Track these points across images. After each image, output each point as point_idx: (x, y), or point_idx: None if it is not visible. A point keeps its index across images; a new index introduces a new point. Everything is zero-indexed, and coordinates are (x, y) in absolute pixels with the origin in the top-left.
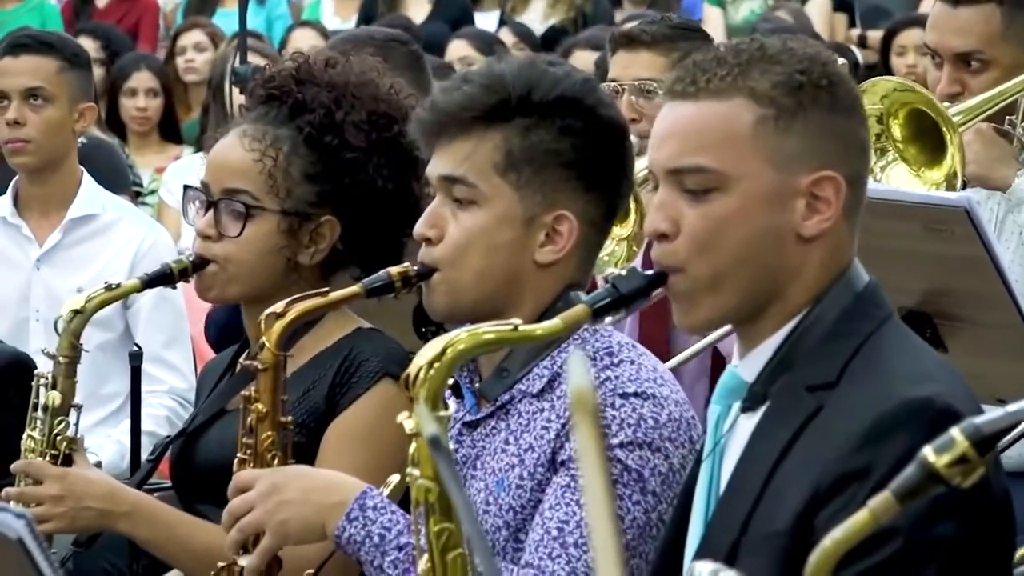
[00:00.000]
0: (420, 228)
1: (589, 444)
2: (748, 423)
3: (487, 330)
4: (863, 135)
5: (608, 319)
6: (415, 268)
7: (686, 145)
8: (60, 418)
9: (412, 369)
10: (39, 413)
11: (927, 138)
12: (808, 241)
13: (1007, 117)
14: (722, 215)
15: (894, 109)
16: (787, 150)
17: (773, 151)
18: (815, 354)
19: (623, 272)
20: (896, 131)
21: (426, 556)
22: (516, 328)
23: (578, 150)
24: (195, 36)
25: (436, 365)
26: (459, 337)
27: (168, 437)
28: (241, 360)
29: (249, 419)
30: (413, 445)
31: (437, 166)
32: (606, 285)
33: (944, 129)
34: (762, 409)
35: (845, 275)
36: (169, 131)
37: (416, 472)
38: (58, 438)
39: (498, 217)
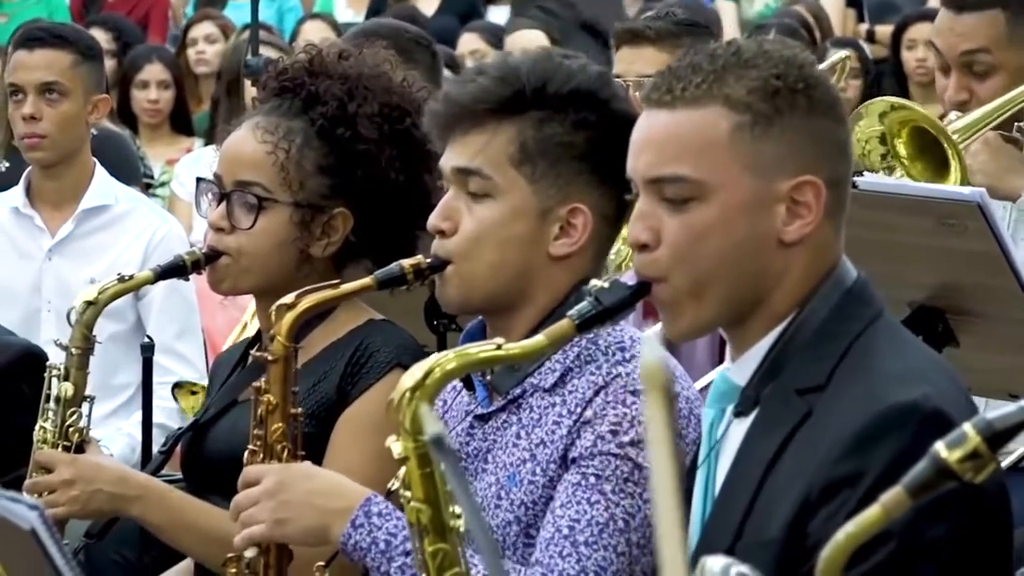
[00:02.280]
0: (434, 220)
1: (657, 419)
2: (741, 427)
3: (475, 351)
4: (842, 136)
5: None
6: (427, 260)
7: (664, 154)
8: (73, 409)
9: (396, 394)
10: (52, 404)
11: (931, 154)
12: (790, 246)
13: (1016, 124)
14: (702, 224)
15: (895, 128)
16: (765, 156)
17: (751, 158)
18: (805, 357)
19: (606, 284)
20: (901, 149)
21: None
22: (499, 347)
23: (592, 143)
24: (206, 28)
25: (419, 391)
26: (447, 358)
27: (180, 429)
28: (252, 352)
29: (259, 410)
30: (403, 469)
31: (451, 159)
32: (589, 298)
33: (945, 145)
34: (754, 413)
35: (832, 275)
36: (180, 123)
37: (408, 494)
38: (70, 429)
39: (512, 210)
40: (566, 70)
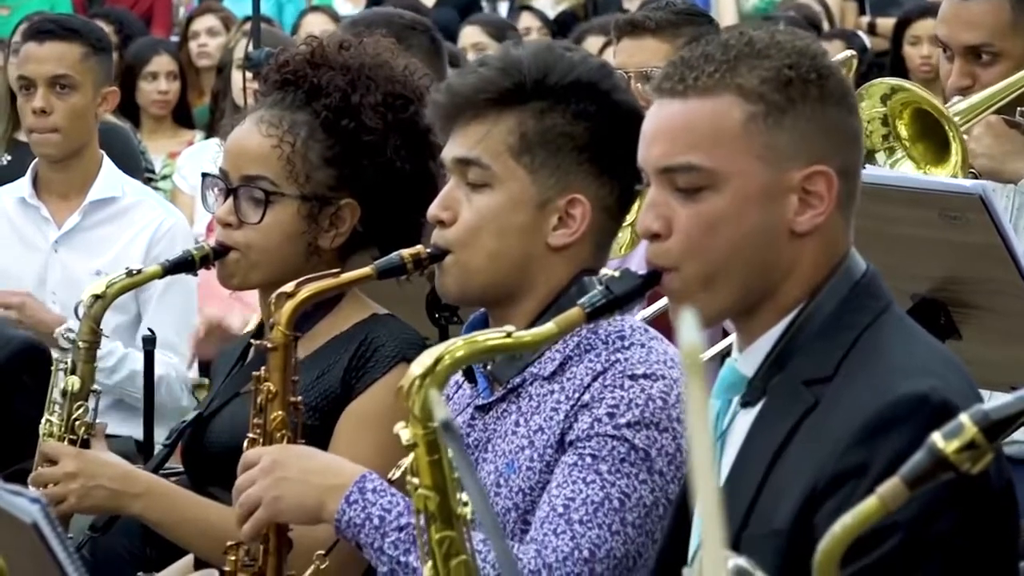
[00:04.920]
0: (434, 210)
1: (696, 401)
2: (747, 418)
3: (484, 338)
4: (854, 126)
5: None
6: (427, 250)
7: (676, 144)
8: (79, 403)
9: (406, 381)
10: (58, 398)
11: (933, 136)
12: (801, 236)
13: (1018, 108)
14: (714, 214)
15: (897, 109)
16: (778, 146)
17: (764, 148)
18: (812, 348)
19: (616, 273)
20: (902, 130)
21: (430, 563)
22: (509, 335)
23: (592, 134)
24: (208, 21)
25: (429, 377)
26: (456, 345)
27: (183, 422)
28: (254, 342)
29: (259, 398)
30: (411, 455)
31: (452, 149)
32: (599, 286)
33: (946, 127)
34: (760, 404)
35: (841, 266)
36: (182, 116)
37: (416, 481)
38: (76, 423)
39: (511, 199)
40: (567, 62)
